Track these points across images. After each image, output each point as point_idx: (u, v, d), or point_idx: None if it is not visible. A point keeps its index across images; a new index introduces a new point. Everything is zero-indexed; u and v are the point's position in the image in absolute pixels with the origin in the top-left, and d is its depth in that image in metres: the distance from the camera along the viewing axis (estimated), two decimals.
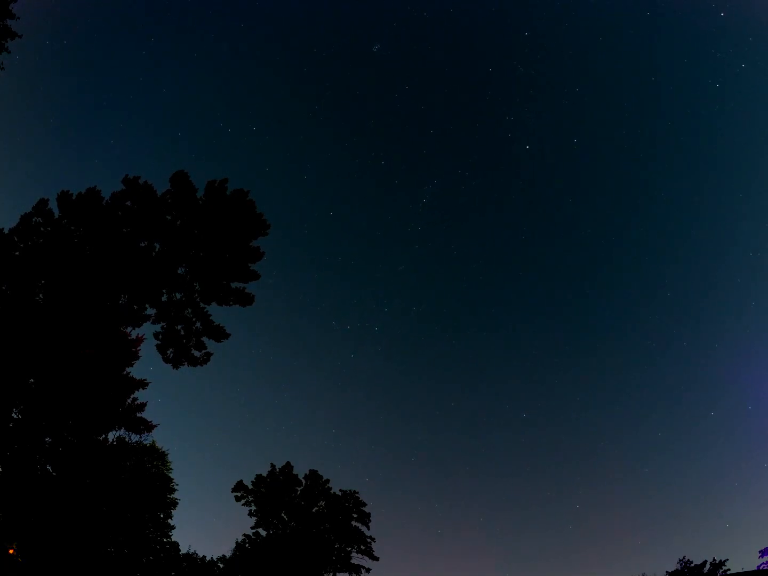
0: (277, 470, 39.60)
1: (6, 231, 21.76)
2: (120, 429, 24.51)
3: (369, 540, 38.85)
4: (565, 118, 65.24)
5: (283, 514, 38.69)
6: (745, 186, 62.82)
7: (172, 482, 28.66)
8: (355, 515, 39.12)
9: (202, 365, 23.35)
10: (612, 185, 68.77)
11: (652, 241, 70.12)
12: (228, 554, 37.15)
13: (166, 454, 28.63)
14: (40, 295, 21.80)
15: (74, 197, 22.02)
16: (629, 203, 69.22)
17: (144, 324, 23.02)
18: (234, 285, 22.81)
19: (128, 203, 21.97)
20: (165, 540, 28.74)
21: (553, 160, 67.57)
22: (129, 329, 23.36)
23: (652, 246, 70.47)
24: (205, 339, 23.12)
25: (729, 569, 32.94)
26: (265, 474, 39.58)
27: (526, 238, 70.98)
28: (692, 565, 34.10)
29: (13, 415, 21.69)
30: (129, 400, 24.32)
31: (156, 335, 22.98)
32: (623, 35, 58.39)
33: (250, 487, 39.08)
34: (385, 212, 72.57)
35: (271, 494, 38.68)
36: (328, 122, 66.38)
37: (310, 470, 40.10)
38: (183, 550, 31.16)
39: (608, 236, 70.27)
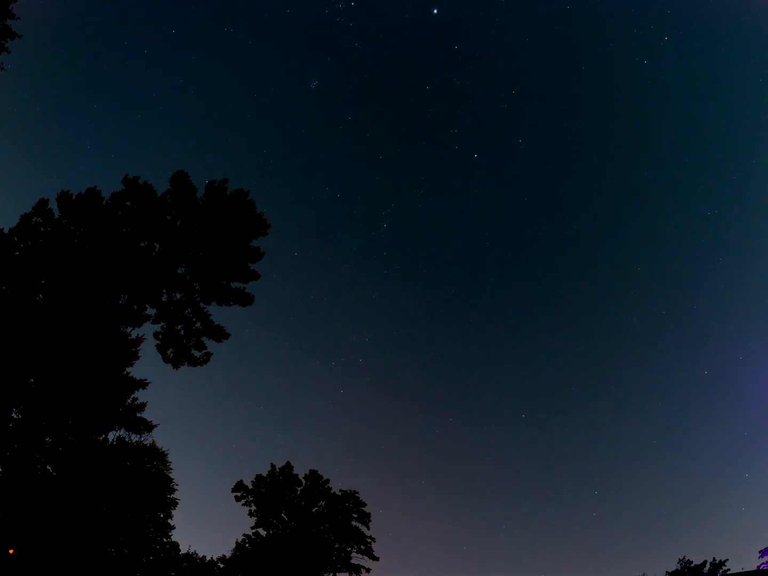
0: (277, 470, 39.59)
1: (6, 231, 21.75)
2: (120, 429, 24.46)
3: (369, 540, 38.83)
4: (506, 121, 67.21)
5: (283, 514, 38.68)
6: (691, 153, 64.08)
7: (172, 482, 28.64)
8: (355, 515, 39.09)
9: (202, 365, 23.37)
10: (561, 177, 70.25)
11: (614, 228, 71.63)
12: (228, 554, 37.20)
13: (166, 454, 28.63)
14: (40, 295, 21.79)
15: (74, 197, 22.01)
16: (583, 192, 70.51)
17: (144, 324, 23.04)
18: (234, 285, 22.82)
19: (128, 203, 21.96)
20: (165, 540, 28.71)
21: (502, 164, 69.48)
22: (129, 329, 23.36)
23: (615, 233, 71.82)
24: (205, 339, 23.12)
25: (729, 569, 32.96)
26: (265, 474, 39.58)
27: (490, 245, 72.52)
28: (692, 565, 34.11)
29: (13, 415, 21.69)
30: (129, 400, 24.28)
31: (156, 335, 22.98)
32: (546, 32, 60.02)
33: (250, 487, 39.07)
34: (348, 244, 73.57)
35: (271, 494, 38.67)
36: (277, 164, 66.74)
37: (310, 470, 40.10)
38: (183, 550, 31.17)
39: (570, 229, 71.58)
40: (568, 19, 57.76)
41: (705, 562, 33.92)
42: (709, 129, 61.88)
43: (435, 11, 53.83)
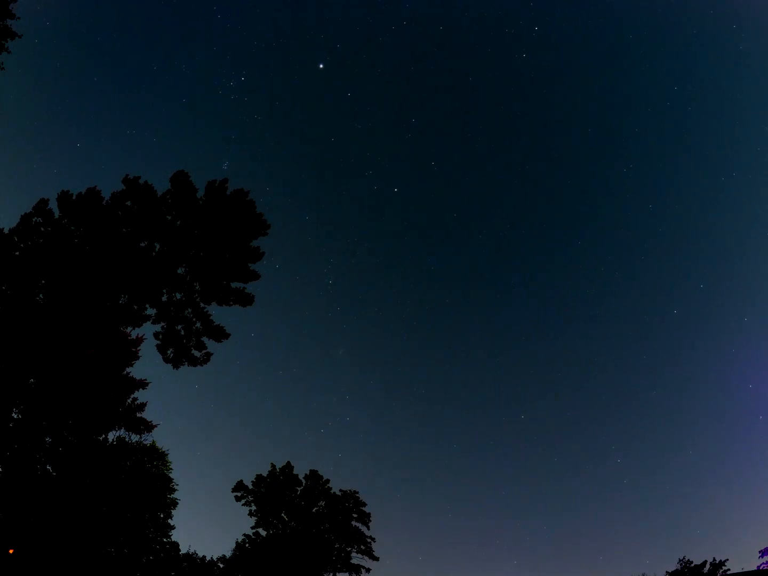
0: (277, 470, 39.58)
1: (6, 231, 21.75)
2: (120, 429, 24.50)
3: (369, 540, 38.83)
4: (412, 149, 69.63)
5: (283, 514, 38.67)
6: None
7: (172, 482, 28.61)
8: (355, 515, 39.10)
9: (202, 365, 23.36)
10: (482, 186, 72.61)
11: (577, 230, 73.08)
12: (228, 554, 37.19)
13: (166, 454, 28.57)
14: (40, 295, 21.79)
15: (74, 197, 22.00)
16: (502, 200, 72.45)
17: (144, 324, 23.03)
18: (234, 285, 22.82)
19: (128, 203, 21.96)
20: (165, 540, 28.69)
21: (422, 194, 72.20)
22: (129, 329, 23.36)
23: (580, 233, 73.58)
24: (205, 339, 23.12)
25: (729, 569, 32.99)
26: (265, 474, 39.58)
27: (435, 270, 74.96)
28: (692, 565, 34.15)
29: (13, 415, 21.69)
30: (129, 400, 24.30)
31: (156, 335, 22.97)
32: (426, 55, 62.76)
33: (250, 487, 39.06)
34: (300, 311, 74.31)
35: (271, 494, 38.66)
36: None
37: (310, 470, 40.11)
38: (183, 550, 31.16)
39: (526, 235, 73.14)
40: (448, 36, 60.72)
41: (705, 562, 33.96)
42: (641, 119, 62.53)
43: (321, 66, 55.19)
